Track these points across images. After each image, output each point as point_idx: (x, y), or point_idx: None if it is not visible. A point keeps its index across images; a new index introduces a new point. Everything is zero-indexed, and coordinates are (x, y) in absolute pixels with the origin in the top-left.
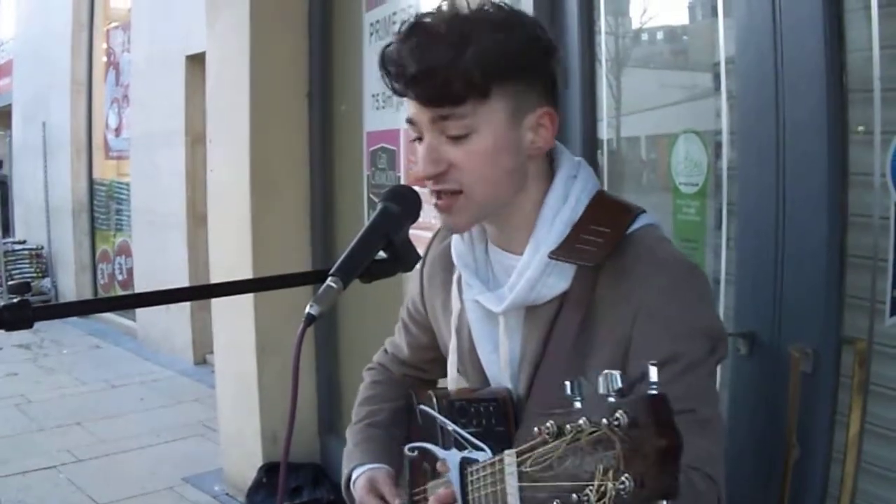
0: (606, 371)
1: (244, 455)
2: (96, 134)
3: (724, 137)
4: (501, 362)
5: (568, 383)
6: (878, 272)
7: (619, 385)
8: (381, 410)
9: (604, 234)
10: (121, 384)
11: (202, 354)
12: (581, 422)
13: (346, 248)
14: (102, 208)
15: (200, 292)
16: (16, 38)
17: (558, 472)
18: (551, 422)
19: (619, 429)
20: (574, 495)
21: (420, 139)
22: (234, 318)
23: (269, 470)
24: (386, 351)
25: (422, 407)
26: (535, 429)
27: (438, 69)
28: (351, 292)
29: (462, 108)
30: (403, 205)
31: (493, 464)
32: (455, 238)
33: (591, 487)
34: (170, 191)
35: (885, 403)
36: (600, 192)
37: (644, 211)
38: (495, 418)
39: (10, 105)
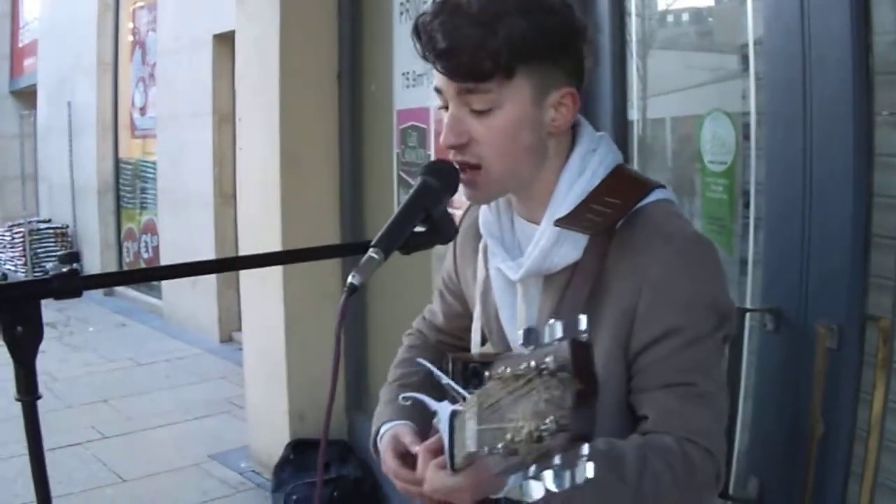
0: (551, 320)
1: (271, 432)
2: (122, 113)
3: (752, 118)
4: (519, 329)
5: (521, 331)
6: None
7: (560, 334)
8: (415, 373)
9: (614, 205)
10: (147, 362)
11: (228, 332)
12: (522, 367)
13: (386, 221)
14: (128, 187)
15: (241, 263)
16: (41, 17)
17: (503, 415)
18: (503, 367)
19: (546, 373)
20: (509, 435)
21: (447, 108)
22: (262, 295)
23: (295, 447)
24: (424, 317)
25: (419, 360)
26: (487, 373)
27: (466, 47)
28: (380, 272)
29: (487, 84)
30: (442, 179)
31: (464, 409)
32: (483, 207)
33: (524, 430)
34: (196, 170)
35: None
36: (619, 165)
37: (662, 186)
38: None
39: (35, 85)
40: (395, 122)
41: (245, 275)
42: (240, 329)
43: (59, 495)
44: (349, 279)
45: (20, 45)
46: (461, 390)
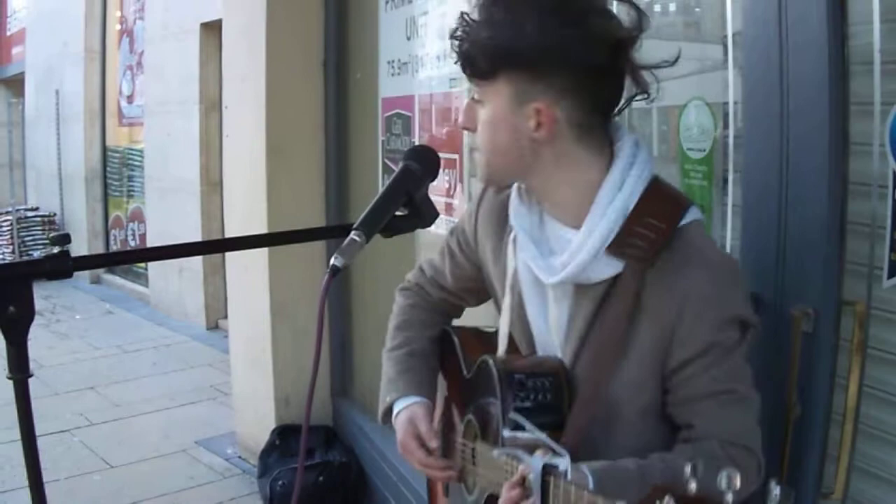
0: (724, 469)
1: (257, 418)
2: (110, 101)
3: (731, 107)
4: (552, 329)
5: (690, 464)
6: (876, 238)
7: (737, 487)
8: (419, 338)
9: (657, 228)
10: (133, 349)
11: (214, 320)
12: None
13: (369, 204)
14: (115, 175)
15: (228, 244)
16: (29, 6)
17: None
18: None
19: None
20: None
21: None
22: (248, 281)
23: (281, 432)
24: (423, 271)
25: (512, 415)
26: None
27: (464, 43)
28: (364, 258)
29: (478, 80)
30: (423, 164)
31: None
32: (514, 199)
33: None
34: (183, 158)
35: (882, 366)
36: (654, 179)
37: (693, 203)
38: (550, 393)
39: (23, 73)
40: (380, 109)
41: (231, 262)
42: (226, 316)
43: (47, 481)
44: (332, 261)
45: (8, 33)
46: (555, 445)
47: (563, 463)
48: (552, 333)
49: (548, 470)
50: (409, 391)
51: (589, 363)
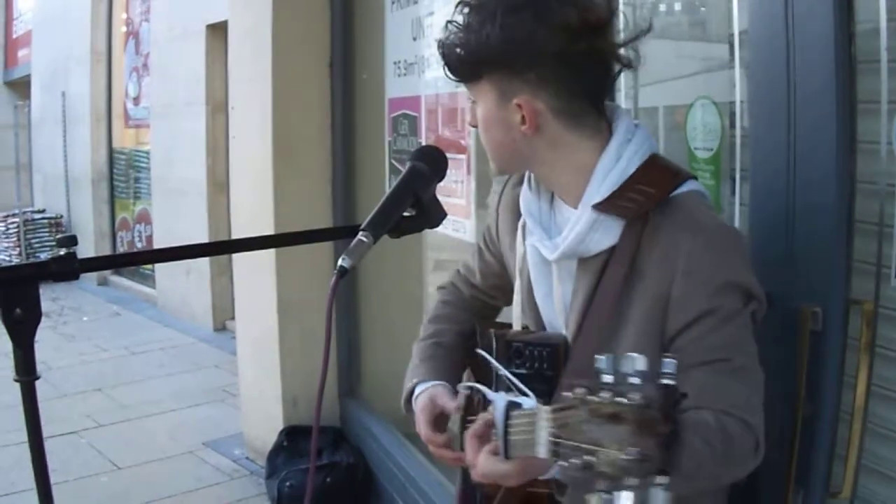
0: (630, 353)
1: (265, 419)
2: (116, 103)
3: (738, 106)
4: (556, 307)
5: (601, 357)
6: (884, 237)
7: (641, 368)
8: (448, 331)
9: (647, 193)
10: (141, 351)
11: (222, 321)
12: (604, 395)
13: (376, 205)
14: (122, 177)
15: (235, 246)
16: (35, 8)
17: (580, 434)
18: (582, 389)
19: (632, 408)
20: (588, 456)
21: None
22: (256, 281)
23: (289, 433)
24: (459, 272)
25: (479, 351)
26: (567, 393)
27: (444, 50)
28: (371, 259)
29: (465, 84)
30: (431, 164)
31: (532, 414)
32: (524, 186)
33: (603, 452)
34: (190, 159)
35: (889, 365)
36: (654, 155)
37: (694, 177)
38: (547, 363)
39: (29, 75)
40: (386, 110)
41: (238, 263)
42: (233, 318)
43: (55, 483)
44: (339, 262)
45: (14, 35)
46: (520, 384)
47: (528, 402)
48: (558, 313)
49: (511, 407)
50: (429, 376)
51: (586, 334)
